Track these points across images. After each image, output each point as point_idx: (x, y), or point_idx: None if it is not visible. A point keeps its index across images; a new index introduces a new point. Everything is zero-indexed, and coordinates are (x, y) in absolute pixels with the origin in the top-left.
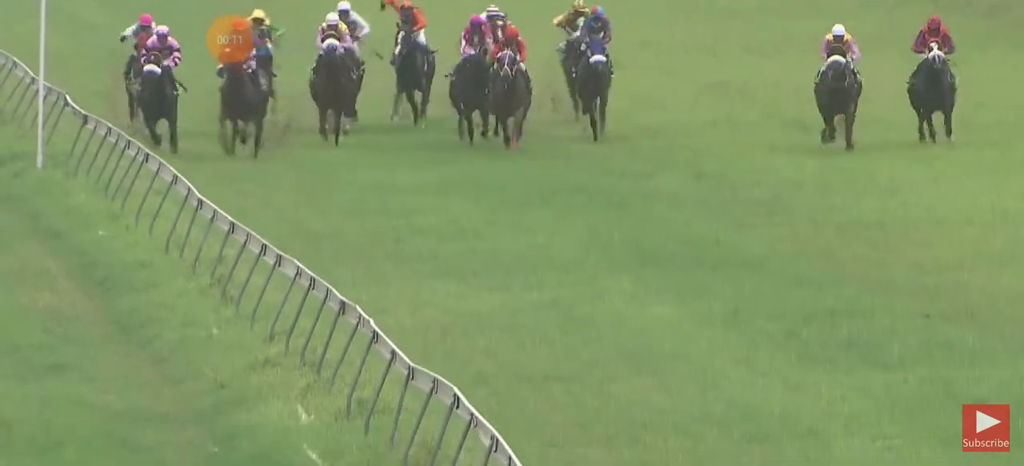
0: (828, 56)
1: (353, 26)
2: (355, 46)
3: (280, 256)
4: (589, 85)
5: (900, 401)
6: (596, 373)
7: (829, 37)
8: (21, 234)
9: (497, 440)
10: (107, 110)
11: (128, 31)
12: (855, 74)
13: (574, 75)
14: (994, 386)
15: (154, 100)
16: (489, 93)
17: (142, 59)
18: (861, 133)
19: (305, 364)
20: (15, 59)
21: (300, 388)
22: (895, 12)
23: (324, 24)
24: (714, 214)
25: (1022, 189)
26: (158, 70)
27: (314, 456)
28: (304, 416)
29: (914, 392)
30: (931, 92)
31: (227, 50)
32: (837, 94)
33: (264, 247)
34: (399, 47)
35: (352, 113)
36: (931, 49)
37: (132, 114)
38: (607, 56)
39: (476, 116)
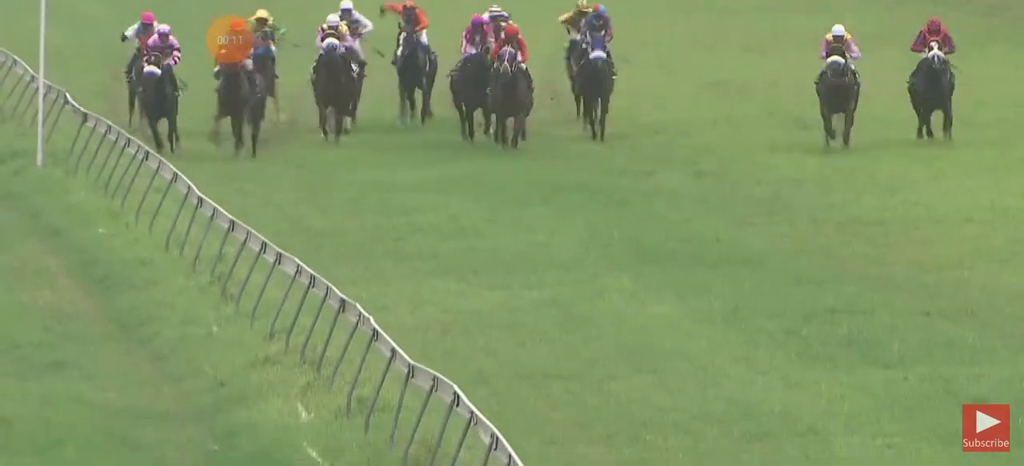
0: (827, 56)
1: (356, 24)
2: (357, 44)
3: (280, 254)
4: (590, 82)
5: (900, 399)
6: (596, 371)
7: (829, 37)
8: (21, 232)
9: (497, 438)
10: (107, 108)
11: (130, 31)
12: (854, 73)
13: (576, 73)
14: (994, 384)
15: (155, 101)
16: (489, 91)
17: (143, 59)
18: (861, 131)
19: (305, 362)
20: (15, 57)
21: (300, 386)
22: (895, 10)
23: (324, 25)
24: (714, 212)
25: (1022, 187)
26: (158, 71)
27: (314, 454)
28: (304, 414)
29: (914, 390)
30: (931, 91)
31: (223, 51)
32: (836, 90)
33: (264, 245)
34: (401, 48)
35: (352, 113)
36: (931, 49)
37: (131, 112)
38: (608, 53)
39: (478, 116)
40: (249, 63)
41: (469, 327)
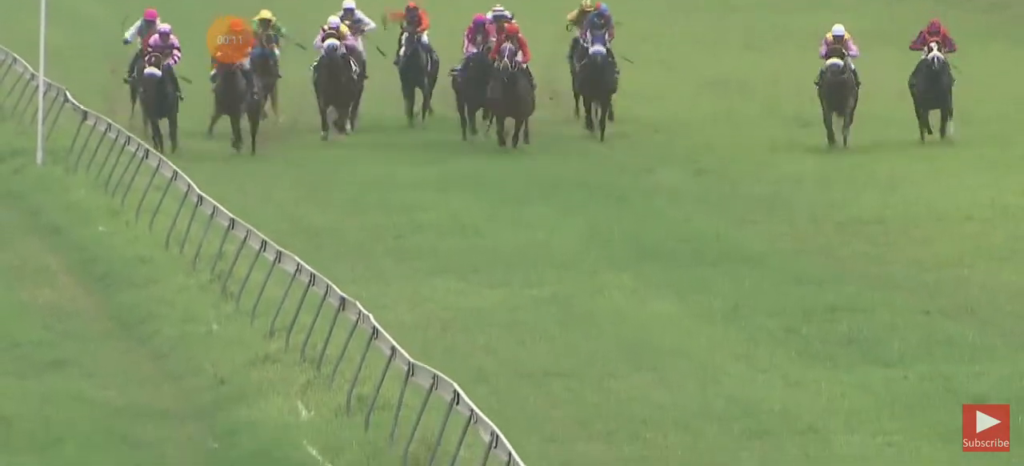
0: (827, 57)
1: (358, 23)
2: (359, 43)
3: (280, 252)
4: (590, 78)
5: (900, 397)
6: (596, 369)
7: (829, 37)
8: (21, 230)
9: (497, 436)
10: (106, 107)
11: (131, 32)
12: (854, 73)
13: (577, 71)
14: (994, 382)
15: (156, 101)
16: (489, 87)
17: (144, 59)
18: (860, 129)
19: (305, 360)
20: (15, 55)
21: (300, 384)
22: (894, 8)
23: (325, 26)
24: (714, 210)
25: (1022, 185)
26: (159, 72)
27: (314, 452)
28: (304, 412)
29: (914, 388)
30: (930, 91)
31: (219, 53)
32: (836, 88)
33: (264, 243)
34: (403, 47)
35: (354, 113)
36: (930, 49)
37: (133, 108)
38: (609, 51)
39: (479, 116)
40: (246, 62)
41: (469, 325)
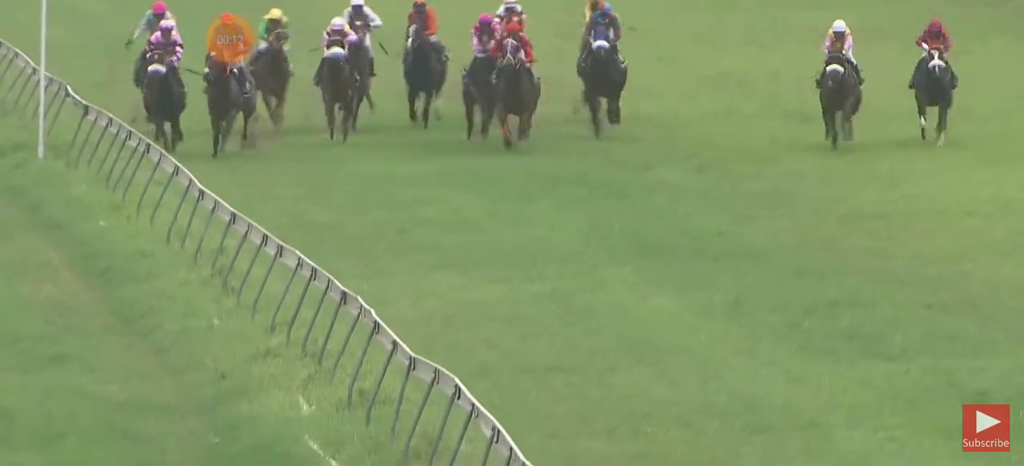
0: (828, 59)
1: (365, 19)
2: (367, 40)
3: (281, 247)
4: (594, 74)
5: (902, 392)
6: (597, 364)
7: (830, 33)
8: (22, 225)
9: (498, 431)
10: (105, 102)
11: (138, 30)
12: (856, 71)
13: (581, 69)
14: (996, 377)
15: (162, 99)
16: (496, 85)
17: (148, 56)
18: (862, 125)
19: (306, 355)
20: (16, 50)
21: (301, 379)
22: (894, 4)
23: (329, 29)
24: (715, 205)
25: None
26: (163, 69)
27: (315, 447)
28: (305, 407)
29: (916, 383)
30: (931, 90)
31: (215, 52)
32: (837, 95)
33: (265, 238)
34: (411, 39)
35: (355, 112)
36: (932, 57)
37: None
38: (613, 46)
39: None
40: (241, 62)
41: (470, 320)
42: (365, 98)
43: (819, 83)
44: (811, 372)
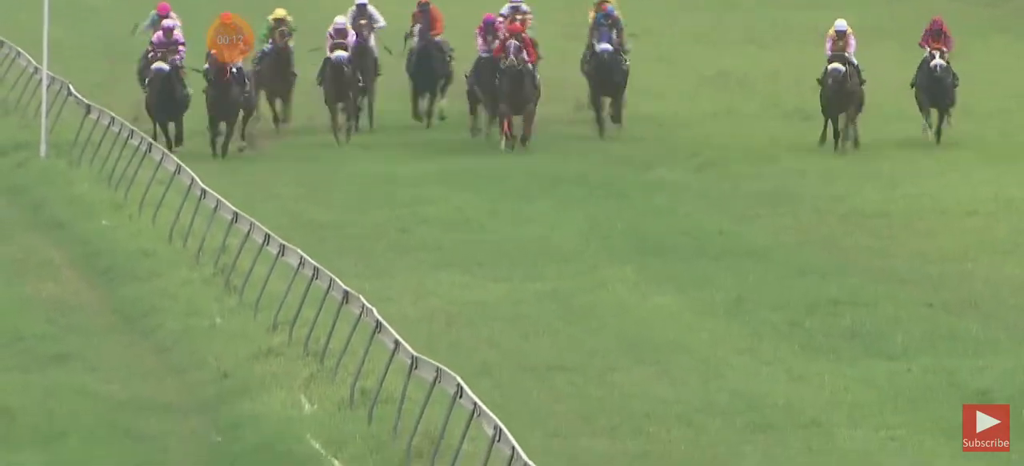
0: (830, 58)
1: (370, 19)
2: (372, 40)
3: (283, 246)
4: (598, 76)
5: (904, 391)
6: (599, 363)
7: (832, 33)
8: (24, 224)
9: (500, 430)
10: (107, 101)
11: (145, 22)
12: (858, 71)
13: (585, 70)
14: (997, 376)
15: (165, 98)
16: (499, 86)
17: (149, 56)
18: (863, 124)
19: (308, 354)
20: (18, 49)
21: (303, 378)
22: (895, 3)
23: (331, 29)
24: (716, 205)
25: None
26: (166, 67)
27: (317, 446)
28: (307, 406)
29: (918, 382)
30: (932, 90)
31: (215, 50)
32: (838, 95)
33: (267, 237)
34: (416, 39)
35: (360, 112)
36: (933, 57)
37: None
38: (615, 48)
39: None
40: (238, 64)
41: (473, 319)
42: (368, 105)
43: (821, 82)
44: (812, 371)
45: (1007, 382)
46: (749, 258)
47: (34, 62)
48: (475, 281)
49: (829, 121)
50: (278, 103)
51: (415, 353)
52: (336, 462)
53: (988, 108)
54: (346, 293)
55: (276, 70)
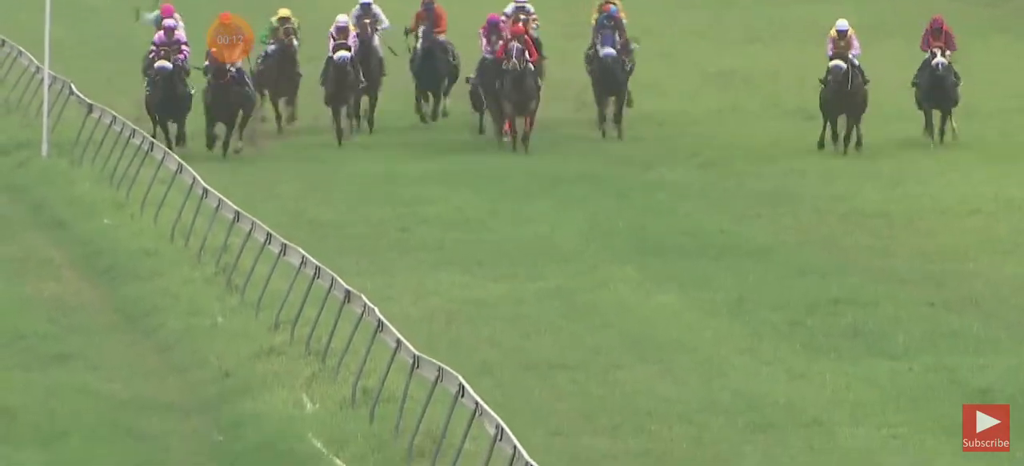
0: (831, 56)
1: (374, 18)
2: (376, 40)
3: (285, 245)
4: (601, 80)
5: (905, 390)
6: (600, 362)
7: (833, 33)
8: (26, 223)
9: (502, 429)
10: (110, 100)
11: (150, 15)
12: (861, 72)
13: (589, 72)
14: (999, 374)
15: (164, 98)
16: (500, 88)
17: (150, 56)
18: (864, 123)
19: (310, 353)
20: (20, 48)
21: (305, 377)
22: (896, 2)
23: (333, 29)
24: (717, 204)
25: None
26: (169, 65)
27: (319, 445)
28: (309, 405)
29: (919, 381)
30: (934, 90)
31: (214, 49)
32: (840, 98)
33: (269, 236)
34: (421, 40)
35: (357, 113)
36: (934, 55)
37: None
38: (619, 49)
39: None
40: (237, 65)
41: (474, 318)
42: (371, 108)
43: (823, 81)
44: (814, 370)
45: (1008, 380)
46: (750, 257)
47: (36, 61)
48: (476, 280)
49: (828, 123)
50: (283, 103)
51: (417, 352)
52: (338, 461)
53: (988, 108)
54: (348, 292)
55: (281, 71)
